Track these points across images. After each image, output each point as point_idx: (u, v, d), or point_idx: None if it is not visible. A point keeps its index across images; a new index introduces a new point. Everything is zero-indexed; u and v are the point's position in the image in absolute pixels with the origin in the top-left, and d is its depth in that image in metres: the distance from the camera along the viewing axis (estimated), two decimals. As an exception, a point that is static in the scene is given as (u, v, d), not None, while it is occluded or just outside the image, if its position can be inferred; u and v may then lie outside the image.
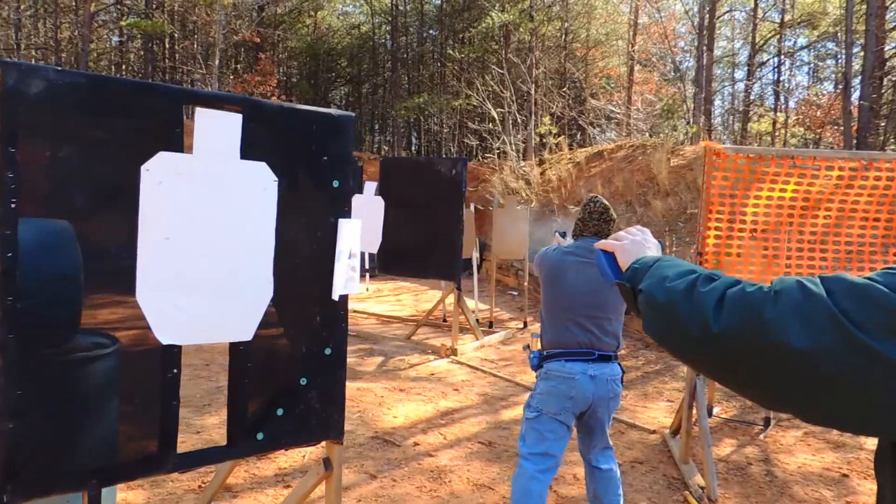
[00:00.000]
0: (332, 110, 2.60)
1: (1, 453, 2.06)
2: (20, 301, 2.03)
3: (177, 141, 2.27)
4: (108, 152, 2.21)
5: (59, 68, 2.06)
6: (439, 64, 32.90)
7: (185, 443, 4.85)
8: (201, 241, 2.38)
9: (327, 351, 2.70)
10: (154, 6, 27.18)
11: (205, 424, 5.51)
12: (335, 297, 2.66)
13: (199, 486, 4.38)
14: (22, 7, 27.29)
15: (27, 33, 28.14)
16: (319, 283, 2.69)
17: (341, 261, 2.61)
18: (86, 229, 2.18)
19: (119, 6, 27.29)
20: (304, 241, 2.64)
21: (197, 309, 2.40)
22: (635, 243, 1.37)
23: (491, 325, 10.47)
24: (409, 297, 13.98)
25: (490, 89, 21.28)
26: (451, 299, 9.41)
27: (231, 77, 26.19)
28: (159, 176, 2.25)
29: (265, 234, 2.53)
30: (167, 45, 29.88)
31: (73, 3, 27.36)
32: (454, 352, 8.53)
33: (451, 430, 5.73)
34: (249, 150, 2.43)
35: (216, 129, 2.34)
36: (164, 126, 2.26)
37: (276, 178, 2.51)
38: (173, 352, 2.34)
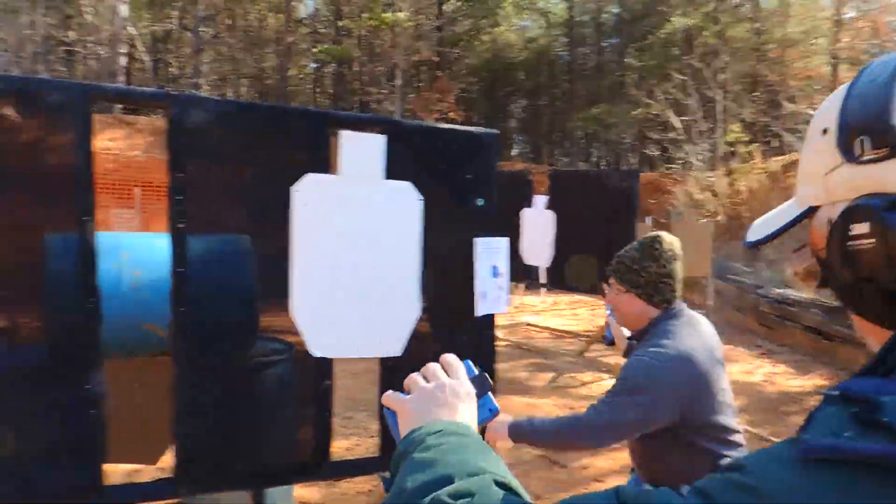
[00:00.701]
0: (475, 128, 2.57)
1: (176, 451, 2.25)
2: (200, 309, 2.21)
3: (323, 163, 2.35)
4: (261, 175, 2.34)
5: (218, 98, 2.22)
6: (618, 73, 32.06)
7: (360, 446, 5.07)
8: (350, 259, 2.45)
9: (472, 370, 2.67)
10: (343, 33, 29.20)
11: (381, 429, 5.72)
12: (478, 314, 2.62)
13: (369, 490, 4.53)
14: (233, 41, 30.54)
15: (236, 66, 31.44)
16: (466, 301, 2.67)
17: (483, 279, 2.57)
18: (250, 248, 2.33)
19: (313, 34, 29.65)
20: (450, 259, 2.63)
21: (347, 324, 2.47)
22: (422, 400, 0.91)
23: (668, 343, 9.91)
24: (585, 312, 13.66)
25: (672, 97, 20.35)
26: (623, 316, 9.01)
27: (412, 95, 27.41)
28: (308, 197, 2.34)
29: (411, 252, 2.55)
30: (355, 69, 31.93)
31: (275, 35, 30.16)
32: (626, 371, 8.18)
33: (624, 456, 5.46)
34: (394, 170, 2.46)
35: (361, 150, 2.40)
36: (311, 148, 2.35)
37: (421, 197, 2.53)
38: (325, 364, 2.42)
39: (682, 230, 10.24)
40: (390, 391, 0.96)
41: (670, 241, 2.20)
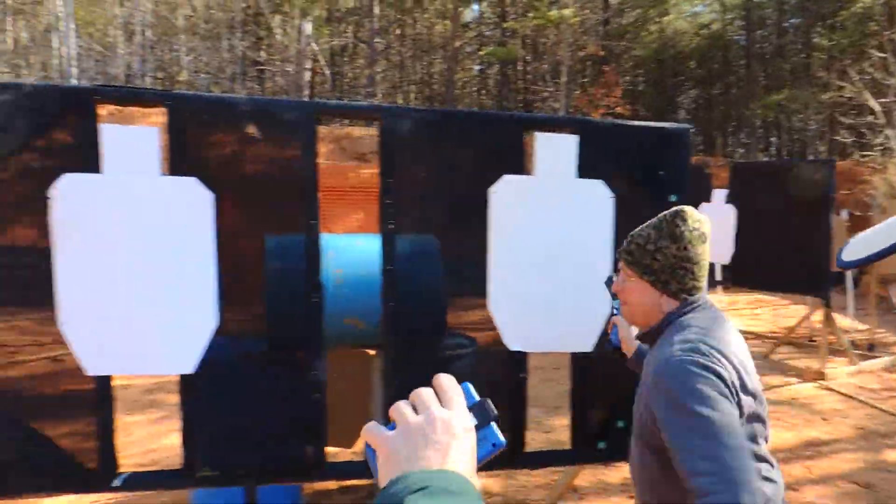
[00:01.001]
0: (666, 124, 2.55)
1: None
2: (401, 305, 2.41)
3: (519, 164, 2.46)
4: (460, 177, 2.49)
5: (420, 108, 2.40)
6: (803, 55, 29.57)
7: (535, 441, 5.17)
8: (544, 257, 2.54)
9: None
10: (508, 34, 29.50)
11: (553, 426, 5.78)
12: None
13: (548, 484, 4.61)
14: (403, 49, 31.91)
15: (405, 73, 32.79)
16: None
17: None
18: (446, 244, 2.49)
19: (479, 38, 30.25)
20: (641, 255, 2.64)
21: (541, 319, 2.57)
22: (407, 438, 0.72)
23: (871, 347, 9.05)
24: (767, 312, 12.81)
25: (869, 77, 18.44)
26: (817, 316, 8.38)
27: (577, 92, 27.10)
28: (505, 197, 2.46)
29: (603, 250, 2.59)
30: (520, 69, 32.11)
31: (442, 41, 31.11)
32: (822, 376, 7.58)
33: (819, 465, 5.11)
34: (585, 169, 2.51)
35: (554, 150, 2.47)
36: (507, 150, 2.47)
37: (612, 195, 2.56)
38: (521, 357, 2.53)
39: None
40: (372, 423, 0.77)
41: (697, 218, 1.75)
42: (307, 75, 24.20)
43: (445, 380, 0.78)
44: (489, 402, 0.80)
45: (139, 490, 2.40)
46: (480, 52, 29.83)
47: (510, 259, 2.49)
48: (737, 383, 1.54)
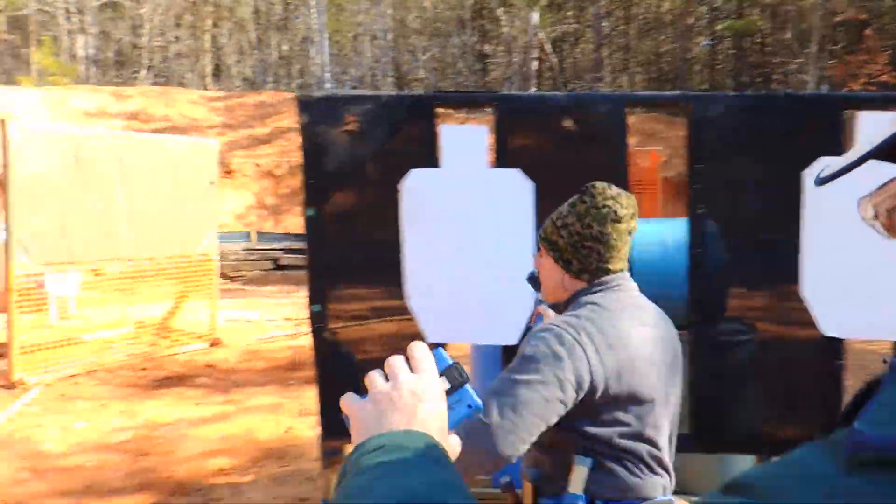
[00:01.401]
0: None
1: (693, 414, 2.56)
2: (710, 287, 2.49)
3: (838, 144, 2.39)
4: (772, 161, 2.49)
5: (734, 94, 2.44)
6: None
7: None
8: (864, 240, 2.45)
9: None
10: (746, 4, 27.42)
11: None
12: None
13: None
14: (628, 30, 31.05)
15: (630, 54, 31.87)
16: None
17: None
18: (755, 228, 2.52)
19: (712, 12, 28.47)
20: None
21: (860, 304, 2.48)
22: (375, 404, 0.73)
23: None
24: None
25: None
26: None
27: (831, 61, 24.44)
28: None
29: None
30: (757, 41, 29.69)
31: (672, 18, 29.76)
32: None
33: None
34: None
35: (879, 129, 2.37)
36: (823, 132, 2.41)
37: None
38: (837, 344, 2.48)
39: None
40: (347, 393, 0.78)
41: (610, 194, 1.60)
42: (534, 64, 24.56)
43: (416, 348, 0.78)
44: (460, 365, 0.80)
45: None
46: (718, 27, 28.09)
47: (830, 243, 2.44)
48: (592, 378, 1.48)
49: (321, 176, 2.63)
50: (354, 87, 29.85)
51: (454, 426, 0.78)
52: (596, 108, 2.47)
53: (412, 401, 0.72)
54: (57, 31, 27.16)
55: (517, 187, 2.53)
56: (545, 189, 2.51)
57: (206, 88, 24.18)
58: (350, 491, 0.63)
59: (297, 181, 18.27)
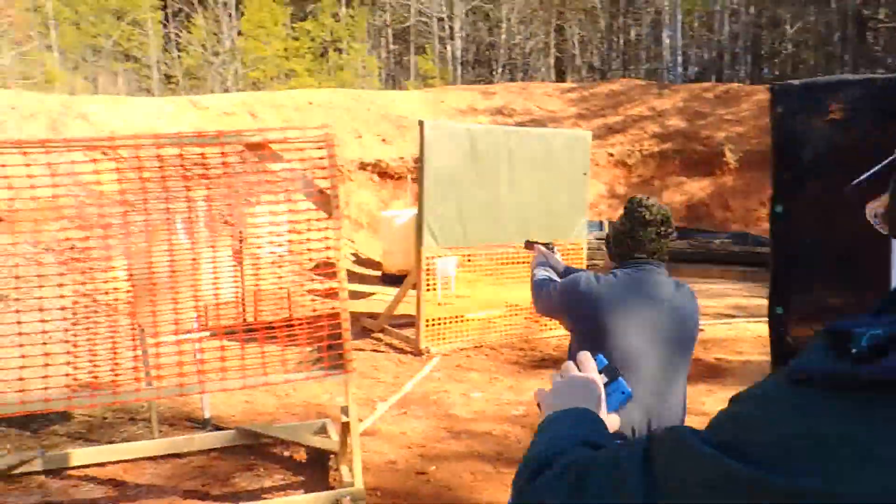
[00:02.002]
0: None
1: None
2: None
3: None
4: None
5: None
6: None
7: None
8: None
9: None
10: None
11: None
12: None
13: None
14: None
15: None
16: None
17: None
18: None
19: None
20: None
21: None
22: (552, 395, 1.09)
23: None
24: None
25: None
26: None
27: None
28: None
29: None
30: None
31: None
32: None
33: None
34: None
35: None
36: None
37: None
38: None
39: None
40: (539, 388, 1.14)
41: (648, 205, 2.37)
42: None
43: (582, 355, 1.15)
44: (614, 366, 1.16)
45: None
46: None
47: None
48: (589, 303, 2.32)
49: (795, 169, 2.44)
50: (704, 69, 28.27)
51: (613, 409, 1.11)
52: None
53: (570, 390, 1.08)
54: (431, 38, 30.62)
55: None
56: None
57: (558, 80, 25.07)
58: (529, 446, 0.93)
59: (648, 170, 17.99)
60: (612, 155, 17.28)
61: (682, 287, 2.37)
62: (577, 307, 2.35)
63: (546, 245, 3.02)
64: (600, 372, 1.14)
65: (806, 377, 0.58)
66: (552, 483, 0.79)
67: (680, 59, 24.15)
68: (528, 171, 8.05)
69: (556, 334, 8.34)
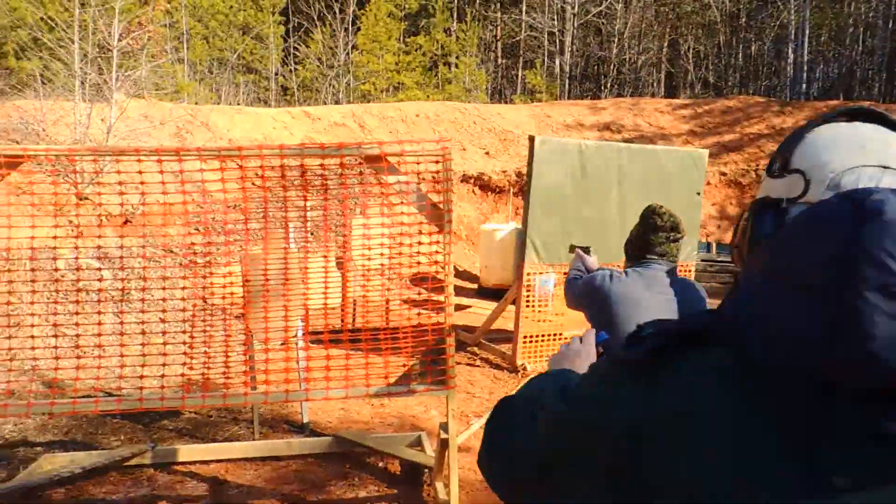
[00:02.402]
0: None
1: None
2: None
3: None
4: None
5: None
6: None
7: None
8: None
9: None
10: None
11: None
12: None
13: None
14: None
15: None
16: None
17: None
18: None
19: None
20: None
21: None
22: (555, 358, 1.41)
23: None
24: None
25: None
26: None
27: None
28: None
29: None
30: None
31: None
32: None
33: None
34: None
35: None
36: None
37: None
38: None
39: None
40: (551, 354, 1.64)
41: (660, 213, 2.78)
42: None
43: (585, 332, 1.47)
44: (611, 343, 1.49)
45: None
46: None
47: None
48: (603, 297, 2.74)
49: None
50: (831, 86, 26.61)
51: None
52: None
53: (567, 355, 1.38)
54: (540, 52, 30.49)
55: None
56: None
57: (671, 96, 24.30)
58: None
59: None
60: (724, 174, 16.53)
61: (687, 283, 2.79)
62: (593, 300, 2.76)
63: (584, 249, 3.41)
64: (598, 345, 1.42)
65: (618, 358, 0.85)
66: (498, 413, 1.08)
67: (805, 75, 22.83)
68: (638, 190, 7.80)
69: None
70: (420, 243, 4.50)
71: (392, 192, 4.72)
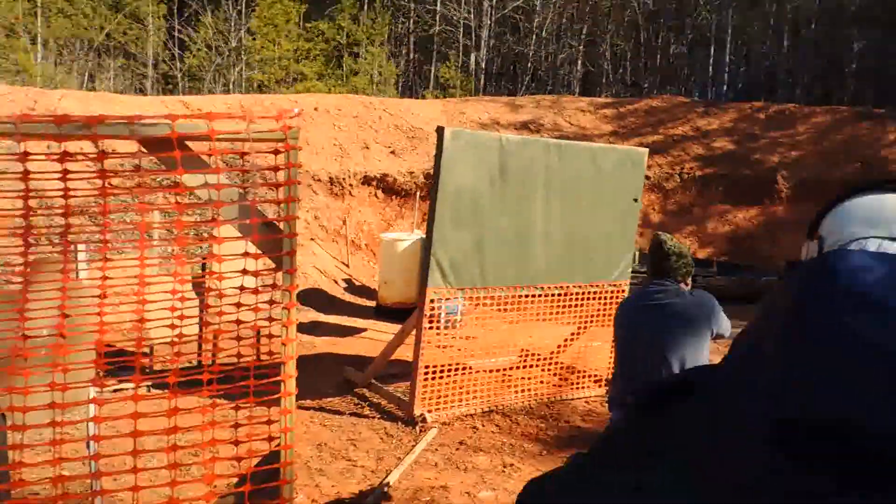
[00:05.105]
0: None
1: None
2: None
3: None
4: None
5: None
6: None
7: None
8: None
9: None
10: None
11: None
12: None
13: None
14: None
15: None
16: None
17: None
18: None
19: None
20: None
21: None
22: None
23: None
24: None
25: None
26: None
27: None
28: None
29: None
30: None
31: None
32: None
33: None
34: None
35: None
36: None
37: None
38: None
39: None
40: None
41: (660, 241, 3.44)
42: None
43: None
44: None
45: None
46: None
47: None
48: (616, 319, 3.57)
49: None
50: (752, 88, 26.38)
51: None
52: None
53: None
54: (455, 47, 28.98)
55: None
56: None
57: (595, 95, 23.30)
58: None
59: (687, 196, 16.21)
60: (647, 178, 15.48)
61: (688, 296, 3.36)
62: (614, 324, 3.59)
63: None
64: None
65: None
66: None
67: (726, 76, 22.34)
68: (569, 196, 6.34)
69: (584, 395, 6.68)
70: (242, 289, 2.81)
71: (197, 203, 3.01)
